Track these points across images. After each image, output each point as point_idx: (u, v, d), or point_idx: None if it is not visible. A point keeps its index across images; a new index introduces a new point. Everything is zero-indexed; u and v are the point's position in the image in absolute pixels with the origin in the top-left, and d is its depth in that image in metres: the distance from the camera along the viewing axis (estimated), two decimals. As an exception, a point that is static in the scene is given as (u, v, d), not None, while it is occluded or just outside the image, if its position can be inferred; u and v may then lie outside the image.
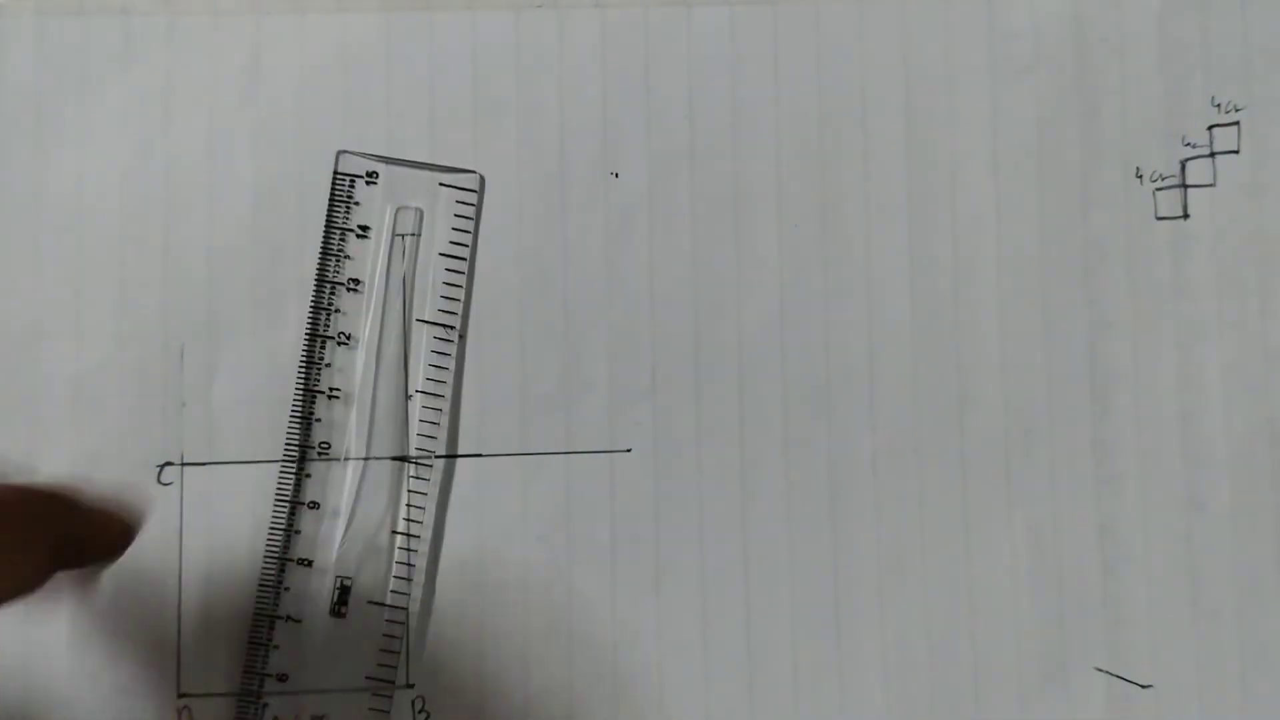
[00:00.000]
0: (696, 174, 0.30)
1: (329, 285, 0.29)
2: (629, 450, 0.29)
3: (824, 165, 0.30)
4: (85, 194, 0.29)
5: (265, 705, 0.28)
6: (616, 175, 0.30)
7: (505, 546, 0.29)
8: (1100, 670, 0.29)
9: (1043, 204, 0.30)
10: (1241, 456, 0.29)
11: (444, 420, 0.29)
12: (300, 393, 0.29)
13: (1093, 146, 0.30)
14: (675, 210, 0.30)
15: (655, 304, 0.30)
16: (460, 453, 0.29)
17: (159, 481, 0.29)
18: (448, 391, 0.29)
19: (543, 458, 0.29)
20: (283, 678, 0.28)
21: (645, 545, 0.29)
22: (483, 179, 0.30)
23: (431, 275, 0.29)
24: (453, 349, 0.29)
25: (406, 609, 0.28)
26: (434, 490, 0.29)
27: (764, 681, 0.29)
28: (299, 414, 0.28)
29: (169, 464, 0.29)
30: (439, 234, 0.29)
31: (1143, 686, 0.29)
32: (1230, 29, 0.30)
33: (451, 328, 0.29)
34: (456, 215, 0.29)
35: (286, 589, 0.28)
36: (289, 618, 0.28)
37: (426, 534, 0.29)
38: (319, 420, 0.28)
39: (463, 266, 0.29)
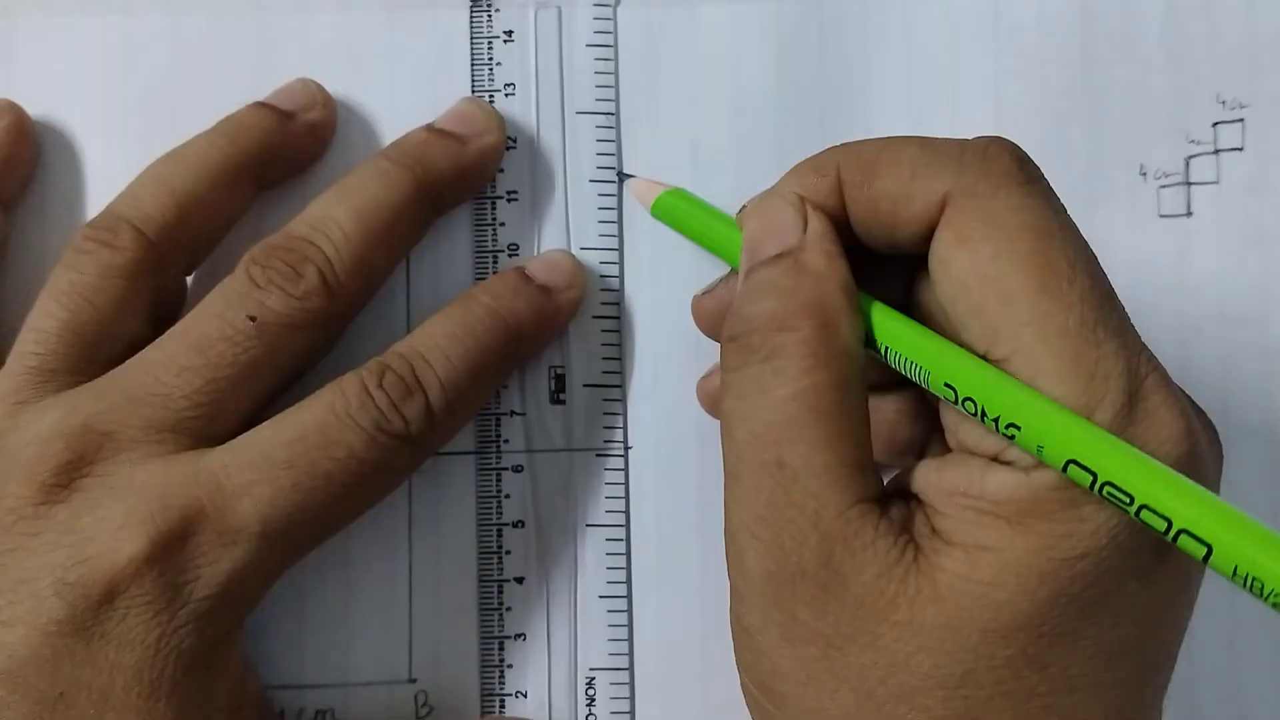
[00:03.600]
0: (698, 171, 0.30)
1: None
2: (630, 448, 0.29)
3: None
4: (90, 194, 0.30)
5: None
6: (622, 175, 0.30)
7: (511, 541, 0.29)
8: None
9: (1046, 201, 0.29)
10: (1241, 455, 0.29)
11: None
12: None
13: (1097, 143, 0.30)
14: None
15: (656, 302, 0.30)
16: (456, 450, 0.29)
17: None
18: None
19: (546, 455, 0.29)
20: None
21: (646, 545, 0.29)
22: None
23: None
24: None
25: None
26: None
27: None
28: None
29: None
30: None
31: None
32: (1236, 26, 0.30)
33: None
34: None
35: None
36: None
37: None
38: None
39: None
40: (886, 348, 0.22)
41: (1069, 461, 0.19)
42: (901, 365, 0.22)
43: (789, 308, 0.22)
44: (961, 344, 0.21)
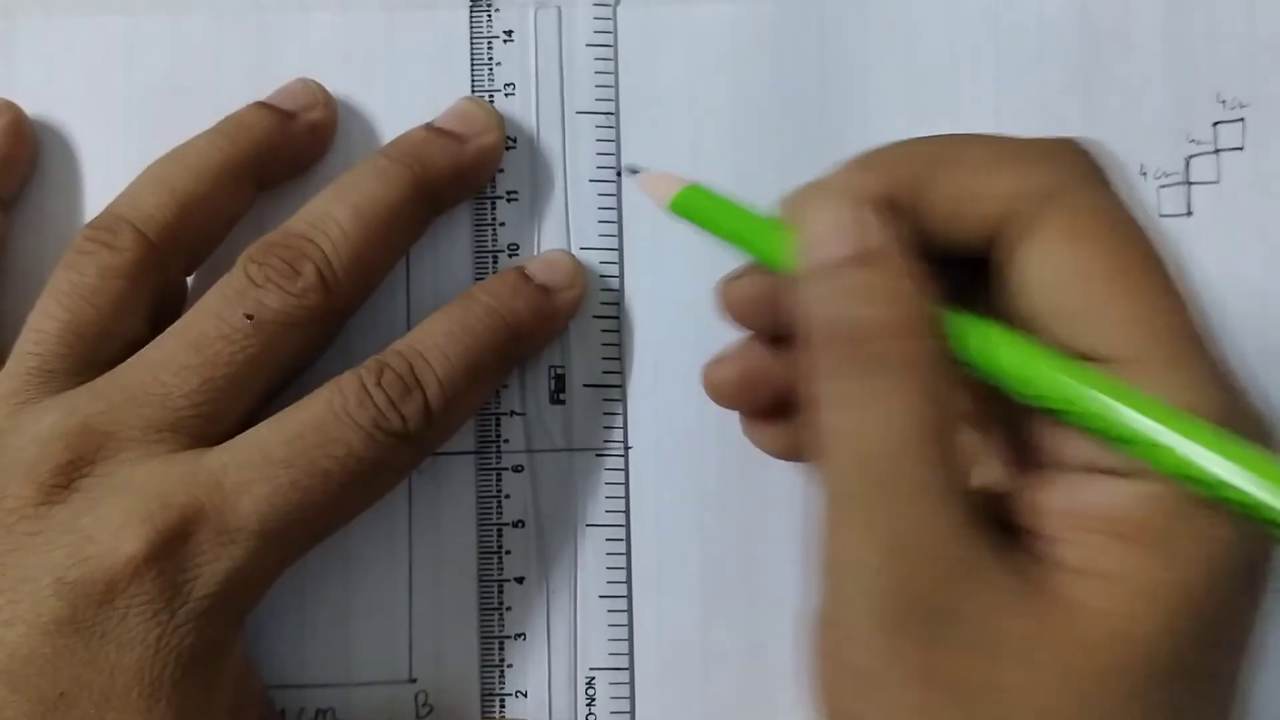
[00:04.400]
0: (698, 171, 0.30)
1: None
2: (630, 448, 0.29)
3: (826, 160, 0.30)
4: (90, 194, 0.30)
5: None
6: (632, 171, 0.30)
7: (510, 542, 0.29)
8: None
9: (1047, 200, 0.30)
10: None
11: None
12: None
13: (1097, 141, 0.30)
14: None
15: (656, 302, 0.30)
16: (457, 449, 0.29)
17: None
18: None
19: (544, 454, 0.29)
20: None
21: (646, 545, 0.29)
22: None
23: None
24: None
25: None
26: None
27: (763, 679, 0.29)
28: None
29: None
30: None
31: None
32: (1235, 25, 0.30)
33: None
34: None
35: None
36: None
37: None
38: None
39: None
40: (978, 359, 0.21)
41: (1205, 478, 0.18)
42: (1001, 379, 0.20)
43: (894, 316, 0.20)
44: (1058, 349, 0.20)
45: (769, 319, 0.25)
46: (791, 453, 0.26)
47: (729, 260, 0.30)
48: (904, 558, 0.19)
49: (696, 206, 0.26)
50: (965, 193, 0.21)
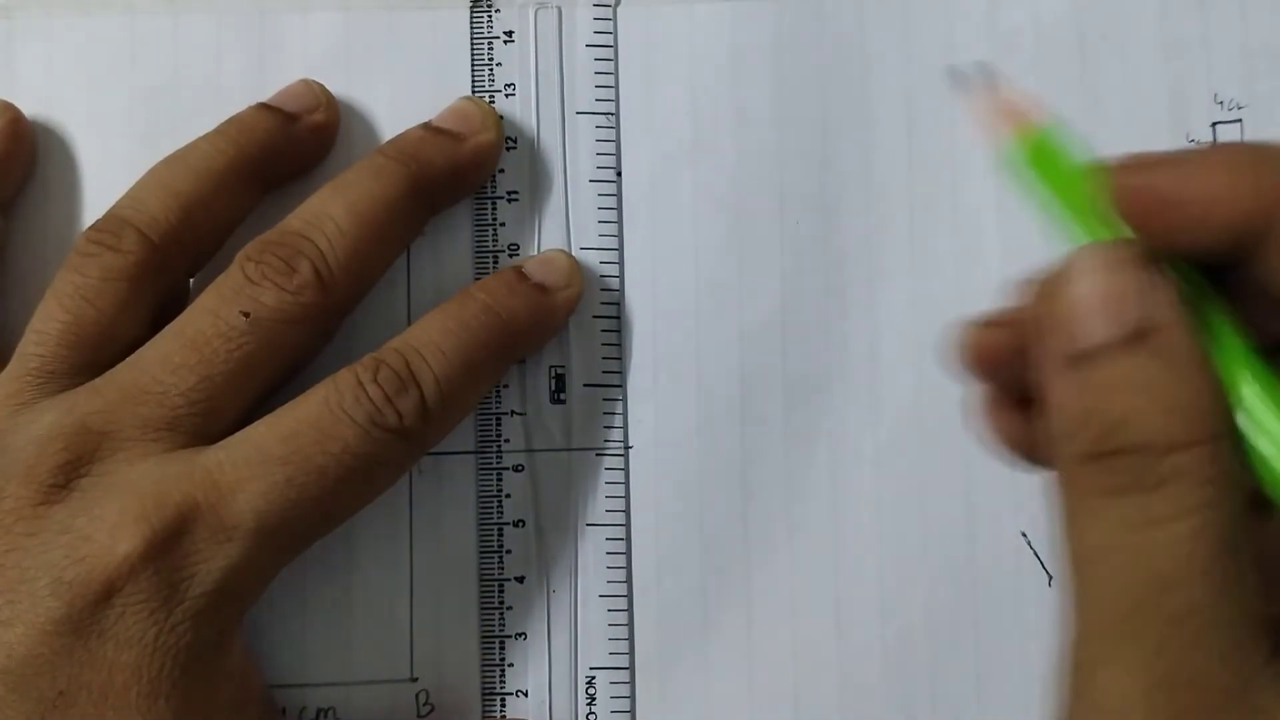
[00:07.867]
0: (698, 171, 0.30)
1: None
2: (630, 447, 0.30)
3: (825, 162, 0.30)
4: (90, 194, 0.30)
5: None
6: (619, 174, 0.30)
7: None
8: (1100, 668, 0.29)
9: (1046, 200, 0.30)
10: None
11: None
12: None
13: (1097, 143, 0.30)
14: (677, 207, 0.30)
15: (656, 302, 0.30)
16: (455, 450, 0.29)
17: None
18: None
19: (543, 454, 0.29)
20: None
21: (646, 545, 0.29)
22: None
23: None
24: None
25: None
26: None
27: (764, 678, 0.29)
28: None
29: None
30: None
31: (1142, 684, 0.29)
32: (1230, 28, 0.30)
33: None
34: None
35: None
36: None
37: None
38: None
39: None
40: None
41: None
42: None
43: (1174, 418, 0.17)
44: None
45: (1018, 377, 0.21)
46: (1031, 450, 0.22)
47: (730, 259, 0.30)
48: (1196, 699, 0.17)
49: (1048, 159, 0.21)
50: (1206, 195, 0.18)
